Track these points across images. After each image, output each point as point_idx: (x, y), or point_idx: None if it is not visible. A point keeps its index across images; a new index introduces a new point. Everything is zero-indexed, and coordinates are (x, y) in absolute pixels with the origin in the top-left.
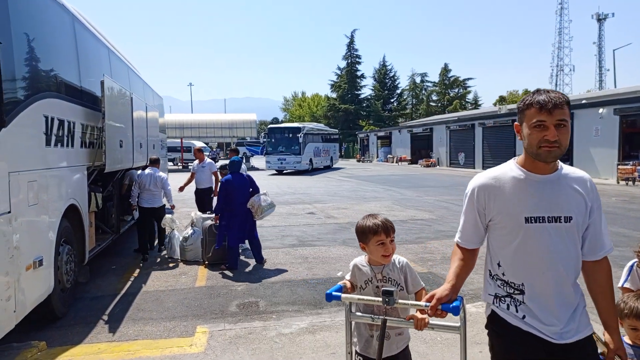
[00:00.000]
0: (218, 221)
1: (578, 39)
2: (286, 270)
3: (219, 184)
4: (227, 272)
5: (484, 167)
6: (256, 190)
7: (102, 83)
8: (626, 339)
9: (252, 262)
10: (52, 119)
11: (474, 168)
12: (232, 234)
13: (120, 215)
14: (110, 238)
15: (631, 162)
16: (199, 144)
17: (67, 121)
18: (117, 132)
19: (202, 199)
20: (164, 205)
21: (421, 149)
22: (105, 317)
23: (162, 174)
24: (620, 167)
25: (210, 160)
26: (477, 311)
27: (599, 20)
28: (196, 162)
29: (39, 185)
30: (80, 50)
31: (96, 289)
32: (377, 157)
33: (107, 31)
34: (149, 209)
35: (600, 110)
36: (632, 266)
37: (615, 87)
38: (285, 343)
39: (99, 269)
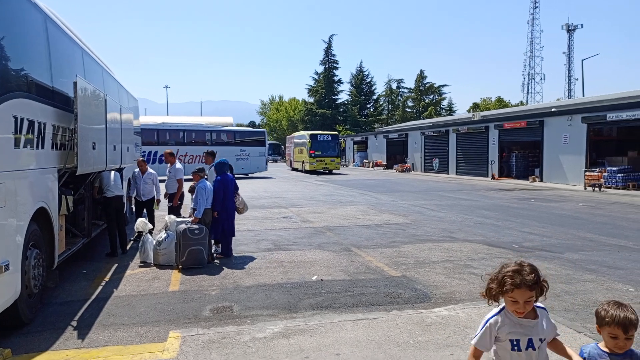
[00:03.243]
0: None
1: (549, 49)
2: (261, 275)
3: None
4: (202, 276)
5: (457, 173)
6: (237, 189)
7: (75, 84)
8: (601, 346)
9: (226, 266)
10: (22, 120)
11: (447, 173)
12: (229, 226)
13: (92, 218)
14: (81, 242)
15: (597, 169)
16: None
17: (37, 122)
18: (89, 134)
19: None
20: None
21: (396, 154)
22: (74, 323)
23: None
24: (587, 173)
25: (179, 167)
26: (449, 314)
27: (568, 30)
28: (168, 166)
29: (6, 187)
30: (53, 50)
31: (65, 294)
32: (354, 161)
33: (82, 31)
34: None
35: (569, 118)
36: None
37: (583, 96)
38: (259, 347)
39: (69, 274)
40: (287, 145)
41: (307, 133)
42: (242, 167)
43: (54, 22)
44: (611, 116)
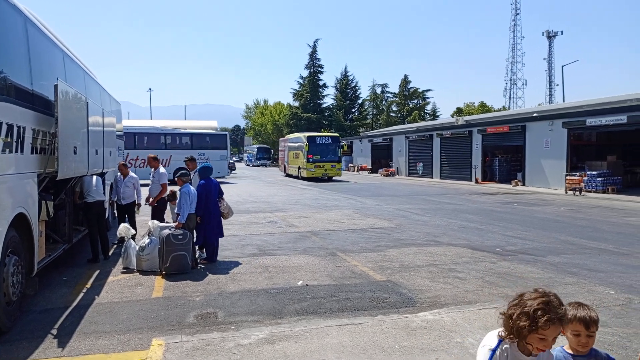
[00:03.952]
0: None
1: (530, 55)
2: (246, 280)
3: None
4: (186, 282)
5: (442, 177)
6: (222, 194)
7: (55, 87)
8: (566, 348)
9: (211, 272)
10: (1, 124)
11: (432, 177)
12: (211, 231)
13: (74, 224)
14: (62, 248)
15: (578, 173)
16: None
17: (16, 126)
18: (71, 138)
19: (155, 209)
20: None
21: (381, 159)
22: (55, 331)
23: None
24: (568, 177)
25: (163, 171)
26: (434, 318)
27: (549, 37)
28: (152, 170)
29: None
30: (33, 53)
31: (45, 301)
32: None
33: (63, 33)
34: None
35: (550, 123)
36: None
37: (563, 101)
38: (244, 354)
39: (49, 281)
40: (280, 148)
41: (303, 135)
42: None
43: (34, 24)
44: (591, 121)
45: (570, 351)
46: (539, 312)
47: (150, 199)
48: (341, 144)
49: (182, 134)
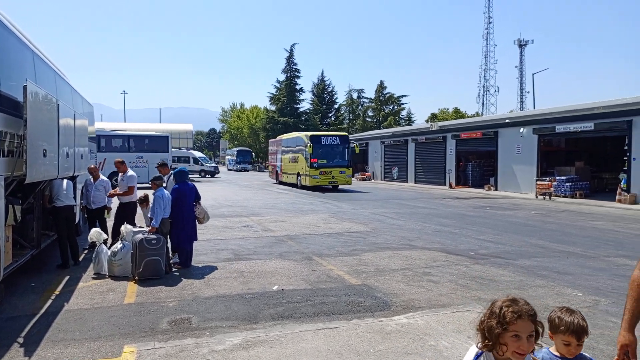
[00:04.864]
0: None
1: (502, 62)
2: (221, 285)
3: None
4: (159, 288)
5: (416, 181)
6: (199, 198)
7: (24, 88)
8: (552, 350)
9: (185, 277)
10: None
11: (407, 182)
12: (185, 235)
13: (43, 228)
14: (30, 253)
15: (547, 179)
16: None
17: None
18: (40, 140)
19: (125, 213)
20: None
21: (357, 163)
22: (21, 340)
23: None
24: (538, 182)
25: (132, 174)
26: (408, 322)
27: (520, 45)
28: (120, 174)
29: None
30: (1, 53)
31: (12, 309)
32: None
33: (34, 33)
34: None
35: (521, 129)
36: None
37: (534, 107)
38: None
39: (16, 287)
40: (270, 152)
41: (304, 135)
42: (138, 175)
43: (2, 24)
44: (560, 128)
45: (557, 353)
46: (504, 308)
47: (114, 191)
48: (352, 144)
49: (119, 136)
